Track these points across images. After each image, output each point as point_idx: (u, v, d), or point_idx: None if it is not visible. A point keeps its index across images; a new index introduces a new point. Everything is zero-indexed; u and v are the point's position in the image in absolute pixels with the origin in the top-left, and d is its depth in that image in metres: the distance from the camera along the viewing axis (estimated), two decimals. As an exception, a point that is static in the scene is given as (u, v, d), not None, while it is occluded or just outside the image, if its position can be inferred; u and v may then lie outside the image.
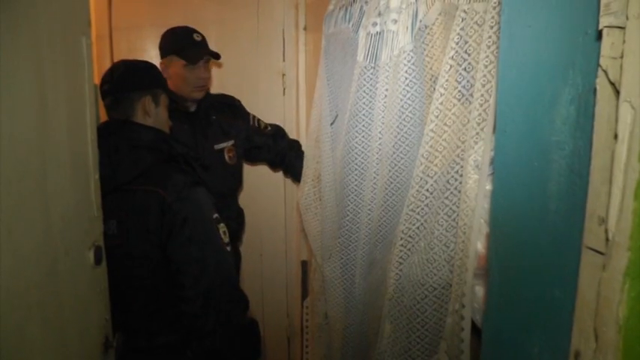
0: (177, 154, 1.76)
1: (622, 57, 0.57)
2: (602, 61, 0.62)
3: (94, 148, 1.31)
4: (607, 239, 0.60)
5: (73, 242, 1.19)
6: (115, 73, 1.79)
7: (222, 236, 1.71)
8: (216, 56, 2.39)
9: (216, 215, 1.72)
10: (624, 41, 0.57)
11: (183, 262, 1.63)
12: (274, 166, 2.80)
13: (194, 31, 2.34)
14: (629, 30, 0.56)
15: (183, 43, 2.30)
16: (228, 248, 1.73)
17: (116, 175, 1.61)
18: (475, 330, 1.19)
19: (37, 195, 1.04)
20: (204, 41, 2.36)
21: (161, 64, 2.31)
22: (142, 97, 1.76)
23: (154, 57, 2.37)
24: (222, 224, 1.73)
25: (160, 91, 1.82)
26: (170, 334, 1.71)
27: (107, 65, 1.82)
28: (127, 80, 1.78)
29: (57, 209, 1.11)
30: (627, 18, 0.56)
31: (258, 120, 2.60)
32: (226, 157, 2.45)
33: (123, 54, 2.65)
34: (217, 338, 1.67)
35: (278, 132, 2.65)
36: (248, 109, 2.60)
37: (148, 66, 1.88)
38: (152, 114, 1.78)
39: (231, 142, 2.47)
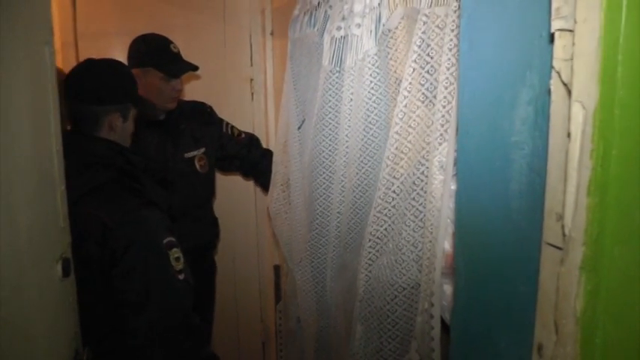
0: (134, 168, 1.60)
1: (572, 59, 0.60)
2: (555, 63, 0.64)
3: (60, 159, 1.29)
4: (564, 235, 0.62)
5: (40, 255, 1.17)
6: (79, 77, 1.59)
7: (174, 263, 1.52)
8: (196, 69, 2.32)
9: (168, 239, 1.53)
10: (574, 44, 0.59)
11: (125, 292, 1.49)
12: (247, 174, 2.77)
13: (169, 41, 2.26)
14: (578, 33, 0.58)
15: (163, 57, 2.22)
16: (181, 276, 1.53)
17: None
18: (445, 328, 1.21)
19: (1, 207, 1.02)
20: (180, 53, 2.29)
21: (134, 74, 2.26)
22: (110, 113, 1.57)
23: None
24: (175, 249, 1.53)
25: (131, 105, 1.63)
26: None
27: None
28: (92, 92, 1.56)
29: (23, 221, 1.09)
30: (575, 22, 0.58)
31: (232, 127, 2.54)
32: (197, 165, 2.37)
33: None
34: None
35: (252, 141, 2.59)
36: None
37: (122, 73, 1.67)
38: (118, 130, 1.59)
39: (202, 150, 2.40)
